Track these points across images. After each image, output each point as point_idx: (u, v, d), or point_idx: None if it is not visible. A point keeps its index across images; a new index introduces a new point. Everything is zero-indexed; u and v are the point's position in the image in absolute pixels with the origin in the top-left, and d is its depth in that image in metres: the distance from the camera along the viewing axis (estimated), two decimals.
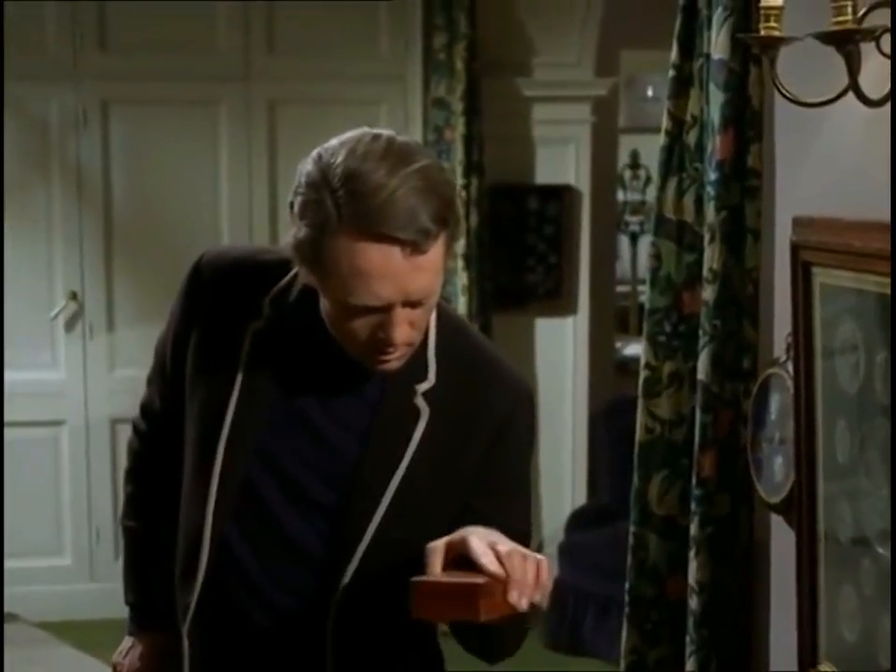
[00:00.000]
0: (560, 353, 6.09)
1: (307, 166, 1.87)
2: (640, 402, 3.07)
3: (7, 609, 5.52)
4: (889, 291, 2.22)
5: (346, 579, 2.01)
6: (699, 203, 2.97)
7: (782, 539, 2.79)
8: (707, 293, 2.88)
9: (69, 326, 5.85)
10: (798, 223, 2.56)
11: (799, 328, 2.57)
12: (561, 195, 6.03)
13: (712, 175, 2.85)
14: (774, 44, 2.25)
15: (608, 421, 5.88)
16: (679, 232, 3.02)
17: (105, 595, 5.36)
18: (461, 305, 5.52)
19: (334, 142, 1.88)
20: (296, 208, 1.87)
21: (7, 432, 5.62)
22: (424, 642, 2.17)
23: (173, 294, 2.15)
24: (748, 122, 2.82)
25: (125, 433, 2.42)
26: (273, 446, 2.03)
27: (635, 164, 9.39)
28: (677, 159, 2.99)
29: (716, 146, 2.83)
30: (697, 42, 2.92)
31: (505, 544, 1.83)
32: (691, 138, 2.97)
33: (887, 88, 2.16)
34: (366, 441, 2.01)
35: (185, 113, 5.83)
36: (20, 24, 5.60)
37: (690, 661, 2.94)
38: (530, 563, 1.82)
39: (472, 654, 2.07)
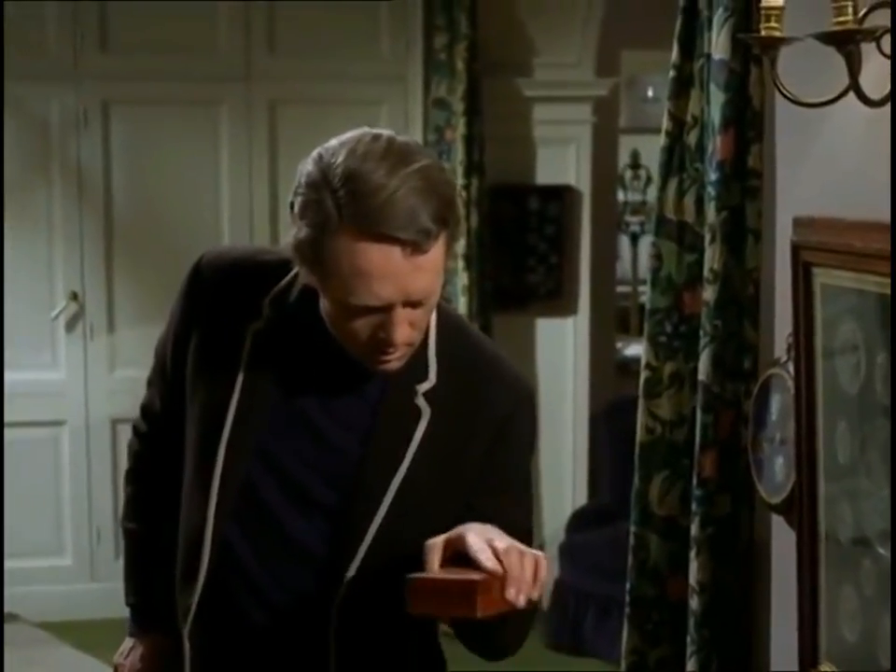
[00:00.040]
0: (561, 353, 6.09)
1: (307, 166, 1.87)
2: (641, 403, 3.07)
3: (7, 609, 5.53)
4: (889, 292, 2.22)
5: (348, 579, 2.01)
6: (700, 203, 2.97)
7: (783, 540, 2.79)
8: (708, 293, 2.88)
9: (70, 326, 5.85)
10: (799, 223, 2.56)
11: (800, 328, 2.57)
12: (562, 195, 6.03)
13: (713, 176, 2.85)
14: (774, 44, 2.25)
15: (608, 421, 5.88)
16: (679, 233, 3.02)
17: (106, 595, 5.36)
18: (462, 305, 5.51)
19: (334, 142, 1.88)
20: (296, 208, 1.87)
21: (8, 432, 5.62)
22: (425, 642, 2.16)
23: (173, 294, 2.14)
24: (748, 123, 2.82)
25: (126, 433, 2.42)
26: (273, 447, 2.03)
27: (635, 165, 9.39)
28: (677, 159, 2.99)
29: (716, 146, 2.83)
30: (698, 42, 2.92)
31: (503, 541, 1.83)
32: (691, 138, 2.97)
33: (887, 88, 2.16)
34: (367, 442, 2.01)
35: (186, 113, 5.83)
36: (20, 24, 5.60)
37: (691, 661, 2.94)
38: (528, 559, 1.82)
39: (474, 653, 2.07)
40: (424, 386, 2.01)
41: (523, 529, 1.96)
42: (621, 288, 7.78)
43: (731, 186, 2.83)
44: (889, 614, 2.25)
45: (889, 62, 2.15)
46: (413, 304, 1.88)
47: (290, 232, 1.89)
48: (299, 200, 1.87)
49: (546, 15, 5.87)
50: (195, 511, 2.06)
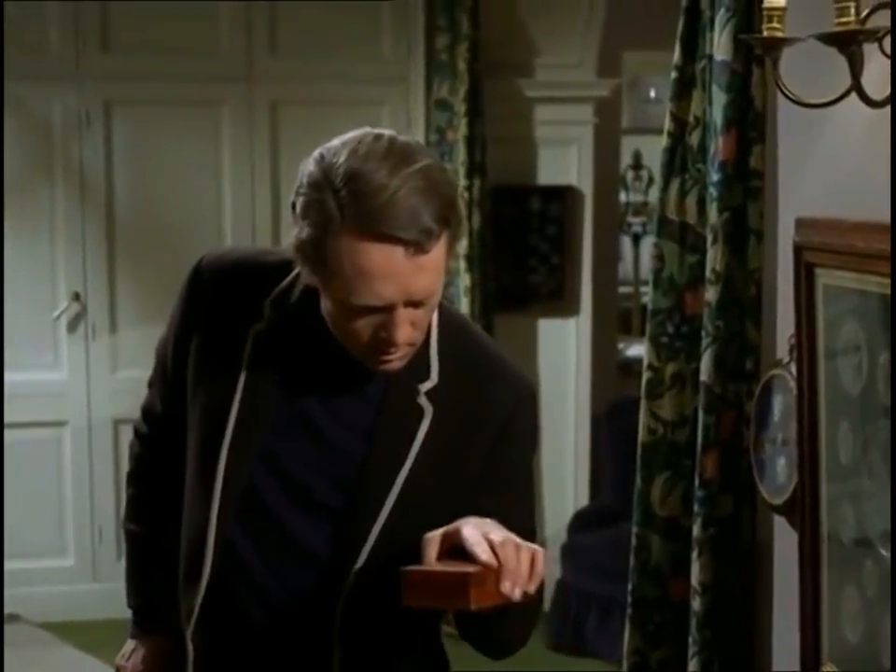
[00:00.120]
0: (562, 354, 6.08)
1: (309, 166, 1.87)
2: (643, 403, 3.07)
3: (9, 609, 5.53)
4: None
5: (351, 580, 2.00)
6: (702, 204, 2.97)
7: (785, 541, 2.79)
8: (710, 294, 2.88)
9: (72, 327, 5.85)
10: (801, 224, 2.56)
11: (802, 329, 2.57)
12: (563, 196, 6.03)
13: (715, 176, 2.85)
14: (776, 45, 2.25)
15: (610, 422, 5.88)
16: (681, 233, 3.02)
17: (108, 595, 5.37)
18: (464, 306, 5.51)
19: (336, 142, 1.88)
20: (298, 208, 1.87)
21: (10, 433, 5.63)
22: (428, 643, 2.16)
23: (175, 295, 2.14)
24: (750, 123, 2.82)
25: (127, 434, 2.42)
26: (276, 447, 2.03)
27: (637, 165, 9.39)
28: (679, 160, 2.99)
29: (718, 147, 2.83)
30: (700, 43, 2.92)
31: (499, 533, 1.84)
32: (693, 139, 2.97)
33: (889, 89, 2.16)
34: (369, 442, 2.01)
35: (187, 114, 5.83)
36: (22, 25, 5.60)
37: (692, 662, 2.94)
38: (524, 552, 1.82)
39: (478, 650, 2.07)
40: (426, 386, 2.01)
41: (525, 528, 1.96)
42: (622, 289, 7.78)
43: (733, 186, 2.83)
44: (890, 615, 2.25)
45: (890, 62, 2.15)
46: (414, 304, 1.88)
47: (292, 232, 1.89)
48: (300, 200, 1.87)
49: (548, 16, 5.87)
50: (198, 513, 2.05)
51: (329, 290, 1.90)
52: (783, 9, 2.24)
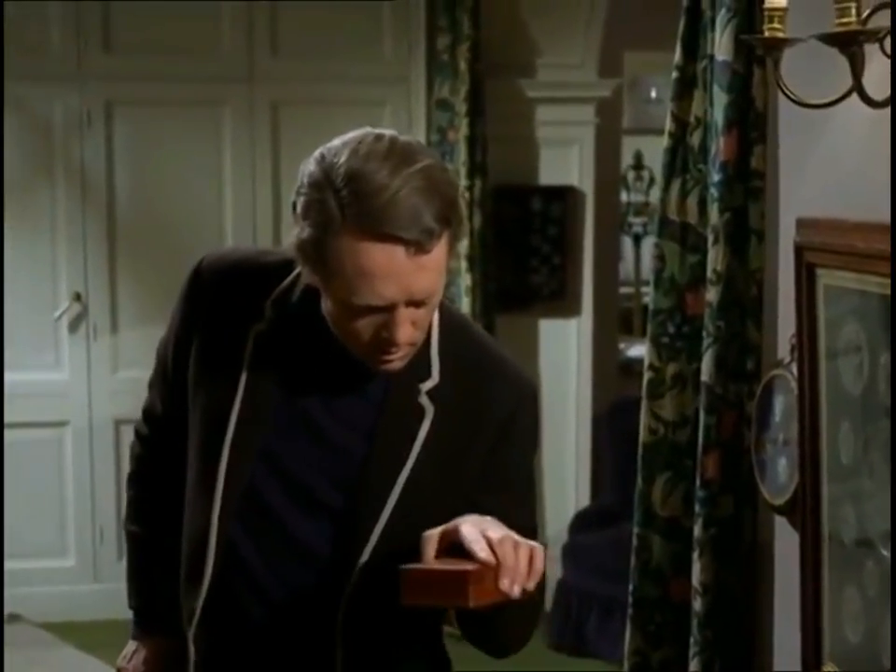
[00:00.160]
0: (564, 354, 6.08)
1: (310, 166, 1.87)
2: (644, 404, 3.07)
3: (10, 609, 5.54)
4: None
5: (353, 579, 2.00)
6: (703, 204, 2.97)
7: (786, 541, 2.79)
8: (711, 294, 2.88)
9: (73, 327, 5.86)
10: (802, 224, 2.56)
11: (803, 329, 2.56)
12: (564, 196, 6.02)
13: (716, 177, 2.85)
14: (777, 45, 2.25)
15: (611, 422, 5.88)
16: (682, 234, 3.02)
17: (109, 595, 5.37)
18: (465, 306, 5.51)
19: (336, 142, 1.88)
20: (299, 208, 1.87)
21: (11, 433, 5.63)
22: (431, 643, 2.16)
23: (176, 295, 2.14)
24: (751, 124, 2.82)
25: (129, 434, 2.42)
26: (277, 448, 2.03)
27: (638, 166, 9.39)
28: (680, 160, 3.00)
29: (719, 147, 2.83)
30: (701, 43, 2.92)
31: (497, 531, 1.84)
32: (694, 140, 2.97)
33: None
34: (371, 441, 2.01)
35: (189, 114, 5.83)
36: (23, 25, 5.60)
37: (693, 662, 2.94)
38: (523, 549, 1.82)
39: (479, 648, 2.07)
40: (427, 385, 2.01)
41: (527, 527, 1.96)
42: (624, 289, 7.79)
43: (734, 187, 2.83)
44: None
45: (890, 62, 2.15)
46: (415, 304, 1.88)
47: (293, 232, 1.89)
48: (301, 200, 1.87)
49: (549, 16, 5.86)
50: (199, 514, 2.05)
51: (329, 290, 1.89)
52: (784, 10, 2.23)
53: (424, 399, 2.01)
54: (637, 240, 9.42)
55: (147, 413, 2.28)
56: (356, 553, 2.00)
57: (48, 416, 5.85)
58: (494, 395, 2.03)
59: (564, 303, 6.08)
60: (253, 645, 2.08)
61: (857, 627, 2.44)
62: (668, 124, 3.00)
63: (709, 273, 2.89)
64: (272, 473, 2.03)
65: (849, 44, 2.13)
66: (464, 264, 5.54)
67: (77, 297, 5.82)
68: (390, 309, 1.86)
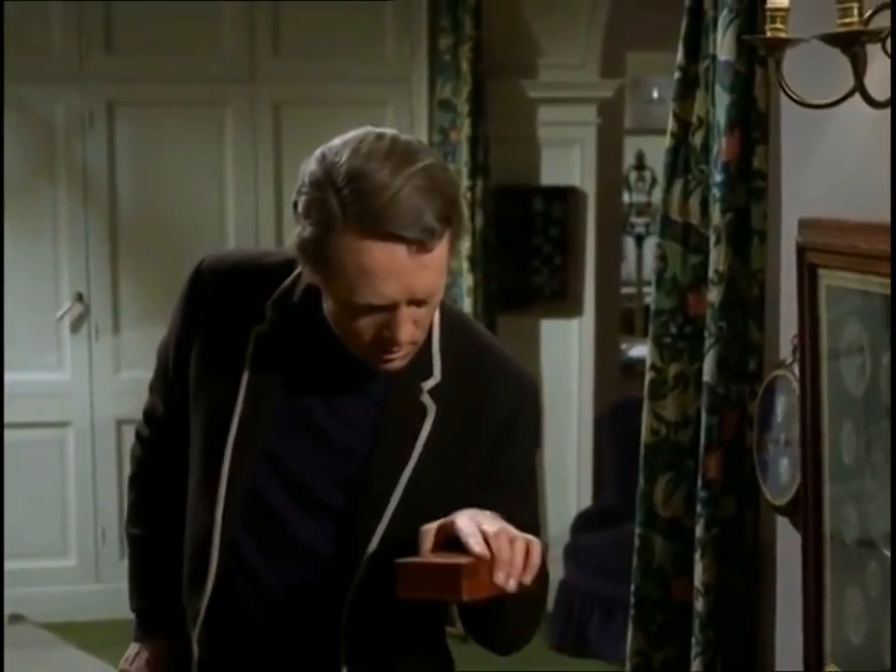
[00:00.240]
0: (565, 354, 6.08)
1: (311, 165, 1.87)
2: (646, 404, 3.07)
3: (11, 609, 5.54)
4: None
5: (356, 579, 2.00)
6: (705, 204, 2.97)
7: (788, 541, 2.78)
8: (713, 295, 2.88)
9: (75, 327, 5.86)
10: (804, 225, 2.56)
11: (805, 329, 2.56)
12: (566, 197, 6.02)
13: (718, 177, 2.85)
14: (780, 45, 2.25)
15: (613, 422, 5.87)
16: (684, 234, 3.02)
17: (110, 595, 5.37)
18: (467, 307, 5.51)
19: (337, 141, 1.88)
20: (300, 207, 1.87)
21: (13, 433, 5.63)
22: (433, 643, 2.16)
23: (178, 296, 2.14)
24: (753, 124, 2.82)
25: (130, 434, 2.42)
26: (278, 448, 2.03)
27: (640, 166, 9.39)
28: (682, 160, 2.99)
29: (722, 147, 2.83)
30: (703, 44, 2.92)
31: (493, 525, 1.84)
32: (696, 140, 2.97)
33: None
34: (373, 440, 2.01)
35: (190, 114, 5.83)
36: (25, 25, 5.60)
37: (695, 662, 2.94)
38: (518, 543, 1.82)
39: (482, 645, 2.07)
40: (429, 384, 2.01)
41: (529, 525, 1.95)
42: (625, 290, 7.78)
43: (736, 187, 2.83)
44: None
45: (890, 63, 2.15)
46: (417, 303, 1.88)
47: (294, 232, 1.89)
48: (302, 199, 1.87)
49: (551, 16, 5.86)
50: (202, 515, 2.05)
51: (331, 289, 1.89)
52: (786, 10, 2.23)
53: (425, 398, 2.01)
54: (639, 240, 9.42)
55: (148, 414, 2.28)
56: (358, 553, 2.00)
57: (49, 416, 5.85)
58: (495, 393, 2.03)
59: (565, 304, 6.08)
60: (256, 645, 2.07)
61: (859, 628, 2.44)
62: (670, 124, 3.00)
63: (711, 274, 2.89)
64: (273, 474, 2.03)
65: (851, 44, 2.13)
66: (466, 265, 5.54)
67: (79, 297, 5.83)
68: (391, 308, 1.86)
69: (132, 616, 2.36)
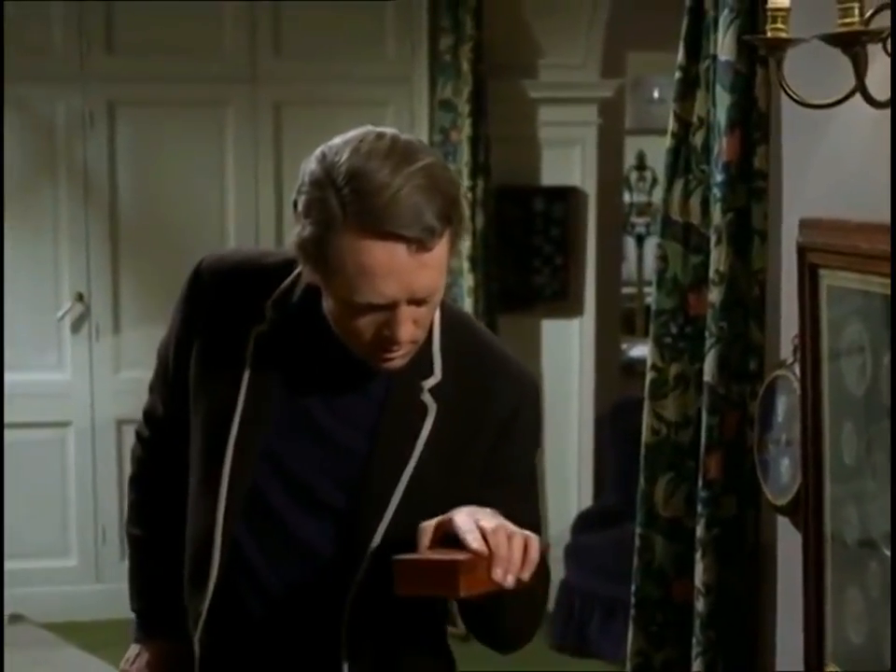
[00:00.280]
0: (566, 354, 6.08)
1: (311, 165, 1.87)
2: (646, 404, 3.07)
3: (12, 609, 5.54)
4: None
5: (358, 579, 2.00)
6: (705, 204, 2.97)
7: (789, 542, 2.78)
8: (714, 295, 2.88)
9: (75, 327, 5.86)
10: (805, 225, 2.56)
11: (806, 329, 2.56)
12: (567, 197, 6.02)
13: (719, 177, 2.85)
14: (780, 45, 2.25)
15: (614, 423, 5.87)
16: (685, 234, 3.02)
17: (111, 595, 5.37)
18: (467, 306, 5.51)
19: (338, 140, 1.88)
20: (300, 207, 1.87)
21: (13, 433, 5.63)
22: (435, 641, 2.16)
23: (178, 296, 2.14)
24: (754, 124, 2.82)
25: (131, 434, 2.42)
26: (279, 448, 2.03)
27: (641, 166, 9.39)
28: (683, 160, 2.99)
29: (722, 147, 2.83)
30: (704, 44, 2.92)
31: (491, 521, 1.84)
32: (697, 140, 2.97)
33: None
34: (373, 440, 2.01)
35: (191, 115, 5.83)
36: (26, 25, 5.60)
37: (696, 663, 2.94)
38: (517, 539, 1.82)
39: (483, 642, 2.07)
40: (429, 383, 2.01)
41: (530, 524, 1.95)
42: (626, 290, 7.77)
43: (737, 187, 2.83)
44: None
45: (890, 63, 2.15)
46: (417, 302, 1.88)
47: (294, 231, 1.89)
48: (302, 198, 1.87)
49: (551, 16, 5.86)
50: (203, 515, 2.05)
51: (331, 289, 1.89)
52: (787, 10, 2.23)
53: (426, 397, 2.01)
54: (640, 240, 9.42)
55: (148, 415, 2.27)
56: (359, 553, 2.00)
57: (50, 416, 5.85)
58: (496, 392, 2.03)
59: (566, 304, 6.08)
60: (258, 645, 2.07)
61: (859, 628, 2.44)
62: (671, 124, 3.00)
63: (712, 274, 2.89)
64: (274, 474, 2.03)
65: (852, 44, 2.12)
66: (466, 265, 5.54)
67: (80, 297, 5.83)
68: (392, 307, 1.86)
69: (132, 616, 2.37)
